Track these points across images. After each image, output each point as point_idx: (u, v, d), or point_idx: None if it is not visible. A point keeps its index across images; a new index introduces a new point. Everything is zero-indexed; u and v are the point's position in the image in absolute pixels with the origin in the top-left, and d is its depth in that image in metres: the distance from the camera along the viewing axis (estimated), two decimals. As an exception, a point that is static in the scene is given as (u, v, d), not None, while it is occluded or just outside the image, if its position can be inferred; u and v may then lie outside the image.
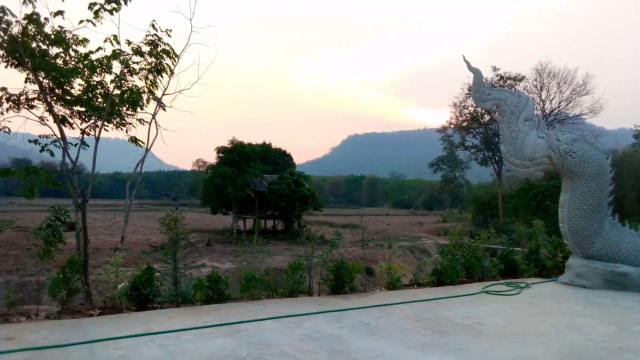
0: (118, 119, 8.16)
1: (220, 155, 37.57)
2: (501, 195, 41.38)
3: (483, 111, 38.25)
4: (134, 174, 8.35)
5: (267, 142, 49.47)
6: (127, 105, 8.10)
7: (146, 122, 8.36)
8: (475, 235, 9.55)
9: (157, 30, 7.88)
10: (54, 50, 7.33)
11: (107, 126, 8.04)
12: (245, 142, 38.41)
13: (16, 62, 7.22)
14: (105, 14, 7.40)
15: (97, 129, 7.73)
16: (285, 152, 50.35)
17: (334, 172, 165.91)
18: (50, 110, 7.43)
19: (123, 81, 8.00)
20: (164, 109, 8.38)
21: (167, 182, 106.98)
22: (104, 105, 7.62)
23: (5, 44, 6.93)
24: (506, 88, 32.48)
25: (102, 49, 7.72)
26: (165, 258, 6.58)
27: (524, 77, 41.24)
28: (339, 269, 7.31)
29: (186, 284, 6.77)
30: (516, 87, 39.56)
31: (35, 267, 17.92)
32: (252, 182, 36.30)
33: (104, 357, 4.26)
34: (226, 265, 21.45)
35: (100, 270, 9.35)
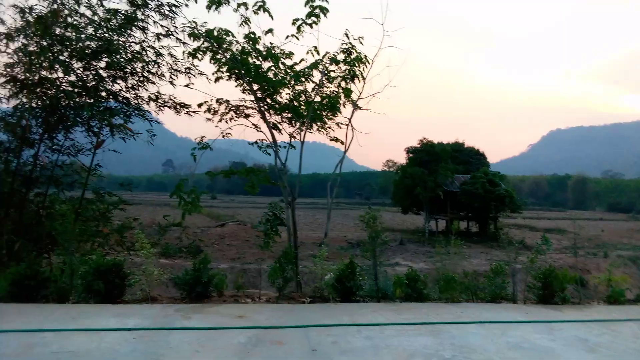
0: (320, 123, 8.82)
1: (410, 155, 37.61)
2: None
3: None
4: (333, 174, 8.91)
5: (459, 141, 47.70)
6: (326, 111, 8.70)
7: (343, 125, 8.84)
8: None
9: (349, 39, 8.25)
10: (265, 65, 8.29)
11: (311, 130, 8.75)
12: (436, 142, 37.68)
13: (235, 77, 8.37)
14: (306, 28, 8.04)
15: (302, 133, 8.48)
16: (478, 150, 47.79)
17: (532, 172, 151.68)
18: (263, 117, 8.42)
19: (322, 88, 8.60)
20: (359, 109, 8.72)
21: (359, 182, 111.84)
22: (307, 111, 8.30)
23: (228, 62, 8.09)
24: None
25: (304, 60, 8.42)
26: (364, 254, 6.85)
27: None
28: (547, 277, 6.67)
29: (384, 280, 6.94)
30: None
31: (253, 257, 20.74)
32: (443, 183, 35.42)
33: (316, 340, 4.64)
34: (419, 265, 21.36)
35: (305, 262, 10.22)
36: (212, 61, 8.11)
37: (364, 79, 8.53)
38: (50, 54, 7.89)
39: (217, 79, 8.48)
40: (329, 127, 9.06)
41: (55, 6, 7.80)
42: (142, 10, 8.47)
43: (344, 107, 8.83)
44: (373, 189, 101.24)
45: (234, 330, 4.90)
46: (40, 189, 9.01)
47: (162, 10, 8.57)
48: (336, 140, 9.02)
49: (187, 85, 9.20)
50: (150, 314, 5.43)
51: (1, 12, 8.07)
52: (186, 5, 8.60)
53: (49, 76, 8.29)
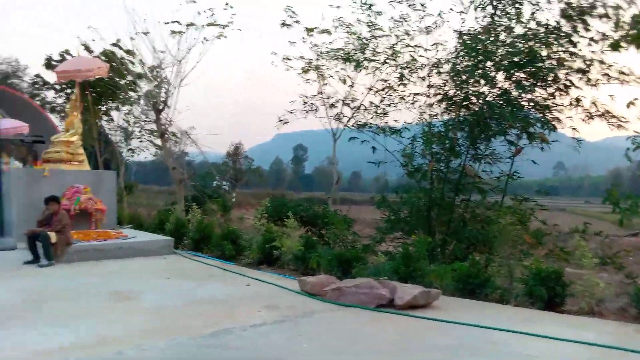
0: None
1: None
2: None
3: None
4: None
5: None
6: None
7: None
8: None
9: None
10: None
11: None
12: None
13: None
14: None
15: None
16: None
17: None
18: None
19: None
20: None
21: None
22: None
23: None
24: None
25: None
26: None
27: None
28: None
29: None
30: None
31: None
32: None
33: None
34: None
35: None
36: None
37: None
38: (477, 70, 8.64)
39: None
40: None
41: (485, 24, 8.49)
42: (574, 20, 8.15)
43: None
44: None
45: None
46: (465, 194, 9.89)
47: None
48: None
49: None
50: (606, 330, 4.97)
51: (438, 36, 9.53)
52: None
53: (475, 90, 9.09)
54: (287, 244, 8.55)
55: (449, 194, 9.79)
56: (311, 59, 13.14)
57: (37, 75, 23.53)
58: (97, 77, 12.83)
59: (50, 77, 22.96)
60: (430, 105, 9.86)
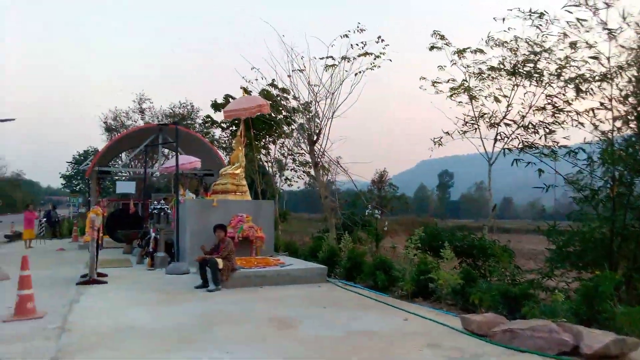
0: None
1: None
2: None
3: None
4: None
5: None
6: None
7: None
8: None
9: None
10: None
11: None
12: None
13: None
14: None
15: None
16: None
17: None
18: None
19: None
20: None
21: None
22: None
23: None
24: None
25: None
26: None
27: None
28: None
29: None
30: None
31: None
32: None
33: None
34: None
35: None
36: None
37: None
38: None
39: None
40: None
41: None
42: None
43: None
44: None
45: None
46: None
47: None
48: None
49: None
50: None
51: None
52: None
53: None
54: (444, 277, 8.03)
55: (634, 222, 8.33)
56: (465, 80, 12.58)
57: (207, 116, 26.71)
58: (258, 114, 13.92)
59: (218, 117, 25.97)
60: (615, 119, 8.56)
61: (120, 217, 17.36)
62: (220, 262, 8.90)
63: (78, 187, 65.66)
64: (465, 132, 12.53)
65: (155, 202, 15.19)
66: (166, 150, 25.62)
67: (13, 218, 34.91)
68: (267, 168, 24.47)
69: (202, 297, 8.26)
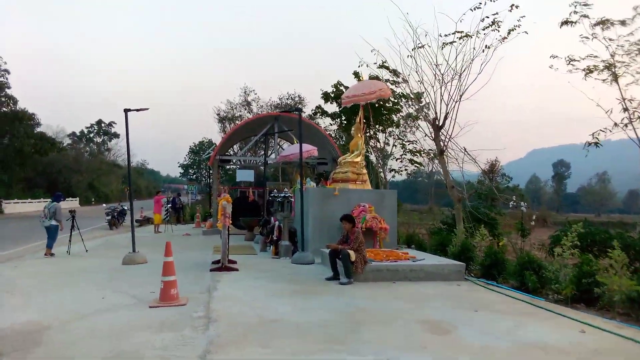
0: None
1: None
2: None
3: None
4: None
5: None
6: None
7: None
8: None
9: None
10: None
11: None
12: None
13: None
14: None
15: None
16: None
17: None
18: None
19: None
20: None
21: None
22: None
23: None
24: None
25: None
26: None
27: None
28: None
29: None
30: None
31: None
32: None
33: None
34: None
35: None
36: None
37: None
38: None
39: None
40: None
41: None
42: None
43: None
44: None
45: None
46: None
47: None
48: None
49: None
50: None
51: None
52: None
53: None
54: (617, 282, 6.80)
55: None
56: (612, 54, 10.72)
57: (318, 107, 26.76)
58: (378, 98, 13.28)
59: (328, 107, 25.85)
60: None
61: (240, 204, 17.77)
62: (352, 255, 8.45)
63: (194, 175, 70.55)
64: (631, 121, 10.35)
65: (276, 191, 15.26)
66: (279, 140, 26.09)
67: (140, 204, 38.11)
68: (370, 157, 23.83)
69: (336, 290, 7.86)
